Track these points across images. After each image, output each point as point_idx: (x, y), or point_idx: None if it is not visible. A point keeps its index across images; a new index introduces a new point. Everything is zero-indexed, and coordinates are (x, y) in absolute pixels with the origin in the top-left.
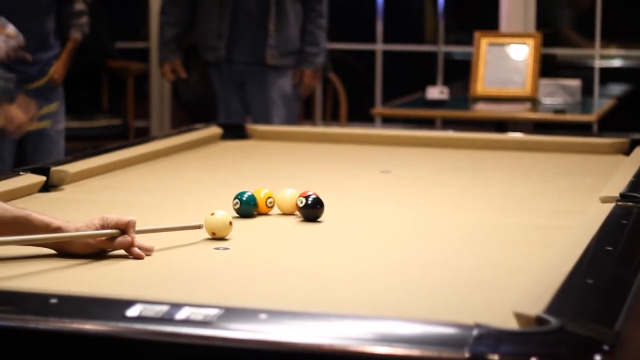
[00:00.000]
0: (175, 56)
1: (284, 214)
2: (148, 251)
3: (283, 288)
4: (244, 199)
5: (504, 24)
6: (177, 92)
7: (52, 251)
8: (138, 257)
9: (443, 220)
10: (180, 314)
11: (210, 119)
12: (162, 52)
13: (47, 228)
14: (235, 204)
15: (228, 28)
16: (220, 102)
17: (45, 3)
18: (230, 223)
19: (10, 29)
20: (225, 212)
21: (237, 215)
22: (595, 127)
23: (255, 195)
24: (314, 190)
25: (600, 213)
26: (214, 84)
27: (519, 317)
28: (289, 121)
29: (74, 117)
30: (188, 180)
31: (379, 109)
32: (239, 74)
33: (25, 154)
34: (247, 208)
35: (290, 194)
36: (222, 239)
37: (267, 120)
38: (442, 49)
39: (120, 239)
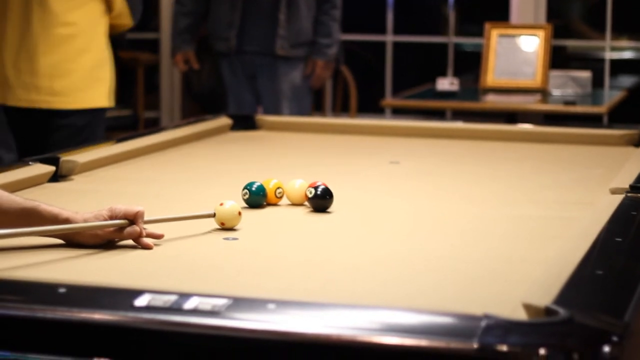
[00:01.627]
0: (189, 46)
1: (293, 204)
2: (158, 237)
3: (291, 278)
4: (253, 189)
5: (515, 16)
6: (188, 83)
7: (61, 241)
8: (147, 247)
9: (452, 211)
10: (189, 304)
11: (222, 110)
12: (175, 42)
13: (55, 219)
14: (244, 194)
15: (239, 18)
16: (231, 93)
17: None
18: (240, 213)
19: None
20: (235, 202)
21: (246, 205)
22: (605, 119)
23: (265, 186)
24: (323, 181)
25: (610, 204)
26: (224, 74)
27: (528, 308)
28: (300, 113)
29: None
30: (197, 171)
31: (389, 100)
32: (249, 64)
33: None
34: (256, 198)
35: (299, 185)
36: (231, 229)
37: (278, 112)
38: (452, 40)
39: (128, 230)
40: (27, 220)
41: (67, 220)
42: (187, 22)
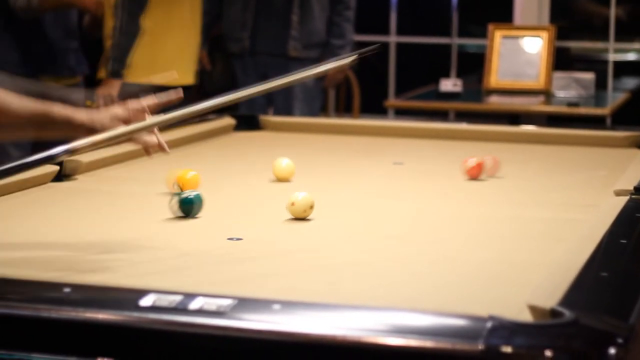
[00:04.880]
0: (201, 47)
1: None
2: (163, 150)
3: (296, 279)
4: (186, 198)
5: (518, 17)
6: (201, 83)
7: (66, 240)
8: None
9: (456, 213)
10: (194, 304)
11: (233, 109)
12: None
13: (69, 123)
14: (175, 204)
15: (252, 19)
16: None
17: None
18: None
19: None
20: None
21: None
22: (608, 121)
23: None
24: (328, 183)
25: (614, 206)
26: (237, 75)
27: (533, 309)
28: (311, 114)
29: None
30: (201, 171)
31: (392, 101)
32: (262, 65)
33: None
34: (189, 208)
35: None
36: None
37: (290, 113)
38: (455, 41)
39: (147, 139)
40: (39, 125)
41: (82, 124)
42: None
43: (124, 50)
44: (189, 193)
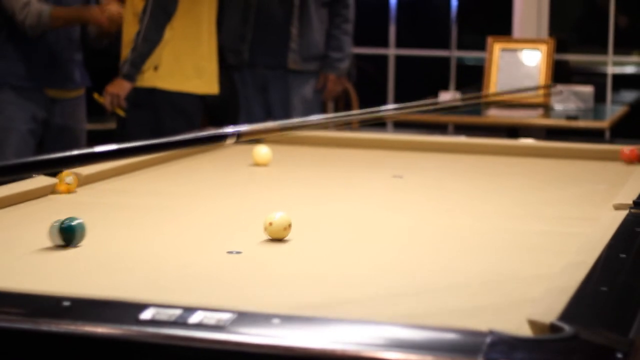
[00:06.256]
0: None
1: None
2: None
3: (296, 293)
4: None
5: (517, 30)
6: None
7: (65, 253)
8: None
9: (455, 226)
10: (193, 318)
11: (233, 122)
12: None
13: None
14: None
15: (251, 31)
16: (243, 106)
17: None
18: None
19: None
20: (283, 213)
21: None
22: (607, 134)
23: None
24: (328, 196)
25: (613, 220)
26: (237, 87)
27: (533, 324)
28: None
29: (90, 119)
30: (199, 183)
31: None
32: (261, 77)
33: (45, 152)
34: (70, 236)
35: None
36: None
37: None
38: (454, 54)
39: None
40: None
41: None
42: None
43: (143, 56)
44: (69, 221)
